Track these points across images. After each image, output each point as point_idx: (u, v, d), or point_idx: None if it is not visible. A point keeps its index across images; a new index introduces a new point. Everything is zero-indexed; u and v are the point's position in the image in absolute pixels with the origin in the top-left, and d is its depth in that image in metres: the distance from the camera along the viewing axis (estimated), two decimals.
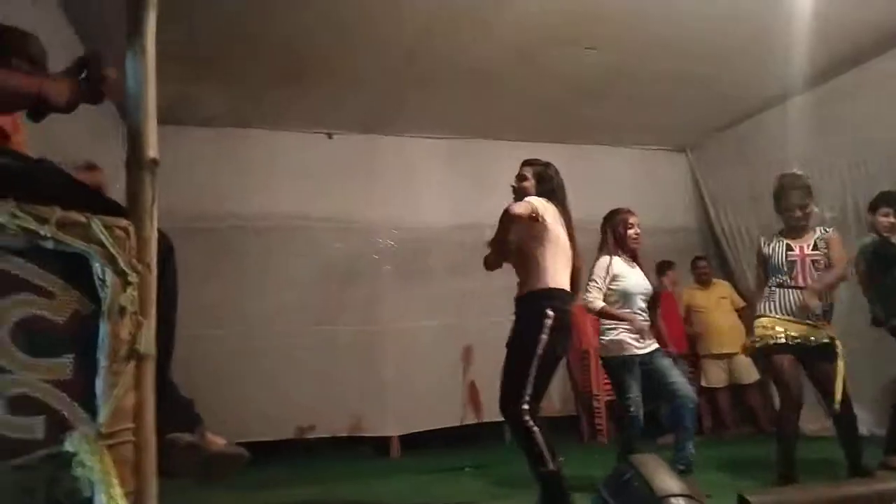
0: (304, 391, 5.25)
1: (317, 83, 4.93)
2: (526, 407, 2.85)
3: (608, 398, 5.73)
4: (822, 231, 3.59)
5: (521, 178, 3.39)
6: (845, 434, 3.44)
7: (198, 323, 4.78)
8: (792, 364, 3.46)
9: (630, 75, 5.05)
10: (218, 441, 1.70)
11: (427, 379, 5.47)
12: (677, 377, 3.66)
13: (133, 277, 1.30)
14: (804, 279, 3.48)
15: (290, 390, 5.22)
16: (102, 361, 1.28)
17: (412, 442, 5.47)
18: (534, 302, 3.00)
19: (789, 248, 3.54)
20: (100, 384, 1.27)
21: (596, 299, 3.68)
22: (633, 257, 3.83)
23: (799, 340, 3.43)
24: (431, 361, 5.52)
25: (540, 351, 2.88)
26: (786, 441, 3.40)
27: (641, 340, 3.67)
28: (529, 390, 2.87)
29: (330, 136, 5.77)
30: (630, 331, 3.66)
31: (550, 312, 2.92)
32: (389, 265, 5.72)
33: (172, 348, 1.73)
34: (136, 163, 1.37)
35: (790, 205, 3.56)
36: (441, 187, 5.83)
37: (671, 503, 1.51)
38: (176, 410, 1.65)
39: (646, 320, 3.74)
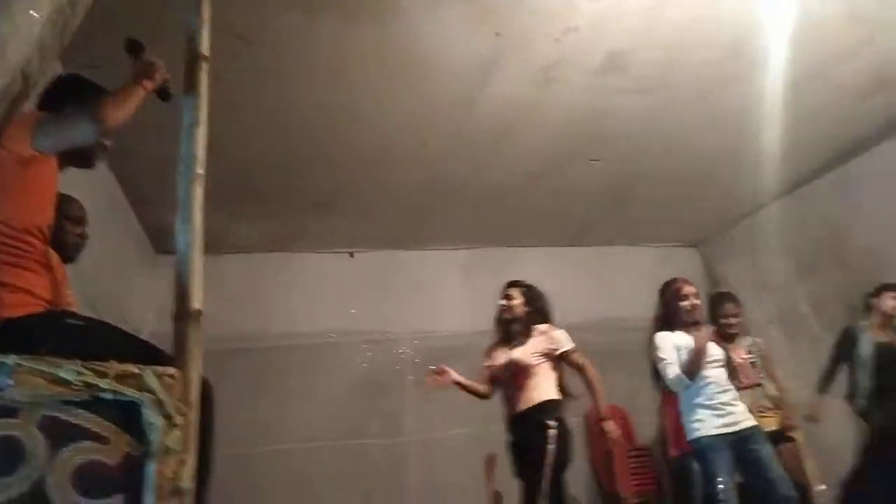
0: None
1: (341, 207, 5.26)
2: None
3: (636, 501, 5.61)
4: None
5: (508, 297, 3.54)
6: None
7: (235, 439, 4.90)
8: None
9: (635, 181, 5.31)
10: None
11: (451, 488, 5.42)
12: (777, 468, 3.14)
13: (179, 419, 1.45)
14: None
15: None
16: (149, 499, 1.40)
17: None
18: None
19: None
20: None
21: (671, 372, 3.28)
22: (696, 328, 3.42)
23: None
24: (455, 471, 5.47)
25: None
26: None
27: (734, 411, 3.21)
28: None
29: (351, 254, 6.05)
30: (712, 408, 3.23)
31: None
32: (412, 375, 5.82)
33: (210, 477, 1.85)
34: (183, 315, 1.55)
35: None
36: (460, 295, 6.00)
37: None
38: None
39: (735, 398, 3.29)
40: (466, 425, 5.72)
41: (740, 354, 3.73)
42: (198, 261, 1.56)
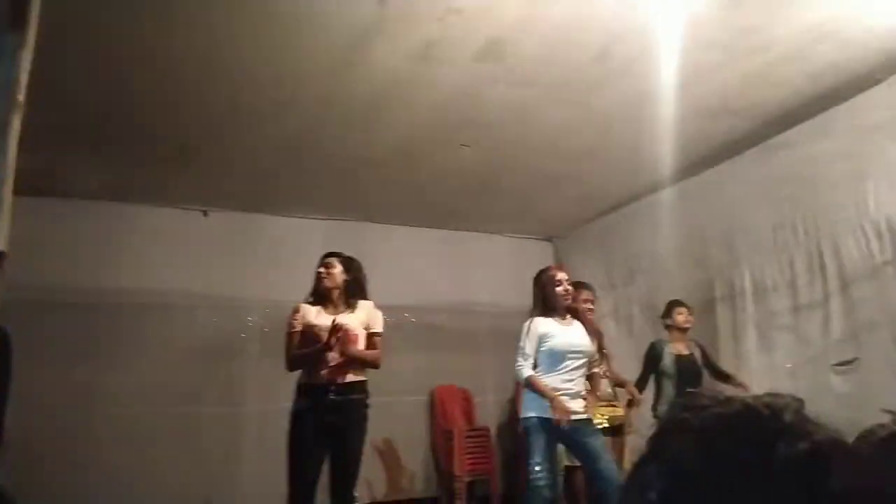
0: (152, 473, 4.96)
1: (196, 162, 4.91)
2: None
3: (470, 479, 5.82)
4: None
5: (328, 266, 3.54)
6: None
7: (52, 399, 4.51)
8: None
9: (502, 171, 5.43)
10: None
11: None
12: (607, 460, 3.31)
13: None
14: None
15: (137, 473, 4.91)
16: None
17: None
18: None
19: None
20: None
21: (521, 368, 3.38)
22: (571, 315, 3.56)
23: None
24: None
25: None
26: None
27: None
28: None
29: (205, 213, 5.70)
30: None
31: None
32: (258, 344, 5.60)
33: (2, 432, 1.65)
34: None
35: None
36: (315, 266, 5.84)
37: None
38: None
39: (579, 392, 3.42)
40: None
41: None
42: (7, 198, 1.36)
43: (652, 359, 4.58)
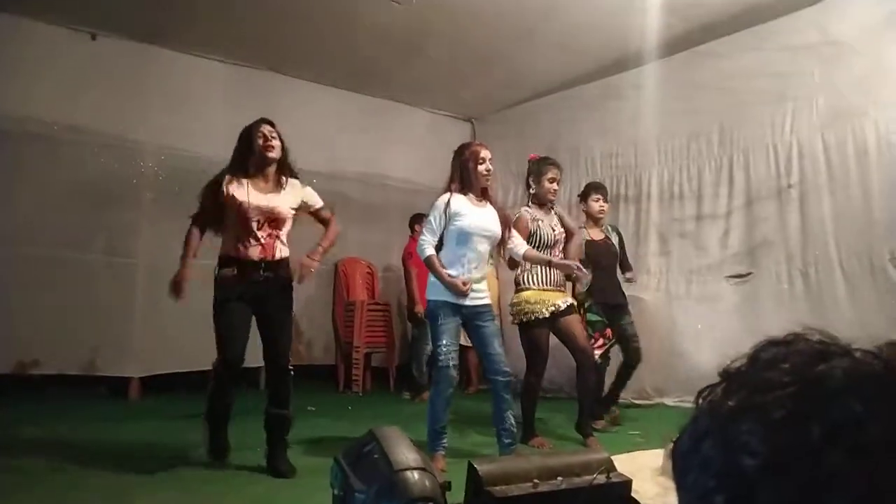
0: (34, 322, 4.65)
1: None
2: None
3: (368, 350, 5.91)
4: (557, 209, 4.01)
5: (273, 135, 3.20)
6: (579, 385, 3.85)
7: None
8: (547, 336, 3.83)
9: (432, 37, 5.12)
10: None
11: (179, 319, 5.06)
12: (498, 347, 3.35)
13: None
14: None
15: (17, 319, 4.58)
16: None
17: (155, 386, 5.13)
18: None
19: (551, 227, 3.88)
20: None
21: (427, 244, 3.29)
22: (485, 196, 3.42)
23: (553, 309, 3.77)
24: (185, 300, 5.17)
25: None
26: (532, 403, 3.83)
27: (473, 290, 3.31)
28: None
29: (93, 36, 5.03)
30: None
31: None
32: (151, 192, 5.20)
33: None
34: None
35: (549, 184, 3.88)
36: (219, 114, 5.29)
37: (406, 476, 1.57)
38: None
39: (482, 277, 3.39)
40: (203, 255, 5.35)
41: (553, 224, 3.87)
42: None
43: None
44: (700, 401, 0.51)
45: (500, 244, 3.47)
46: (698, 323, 4.88)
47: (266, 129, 3.15)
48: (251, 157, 3.14)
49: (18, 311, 4.61)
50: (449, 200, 3.31)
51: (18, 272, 4.66)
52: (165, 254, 5.15)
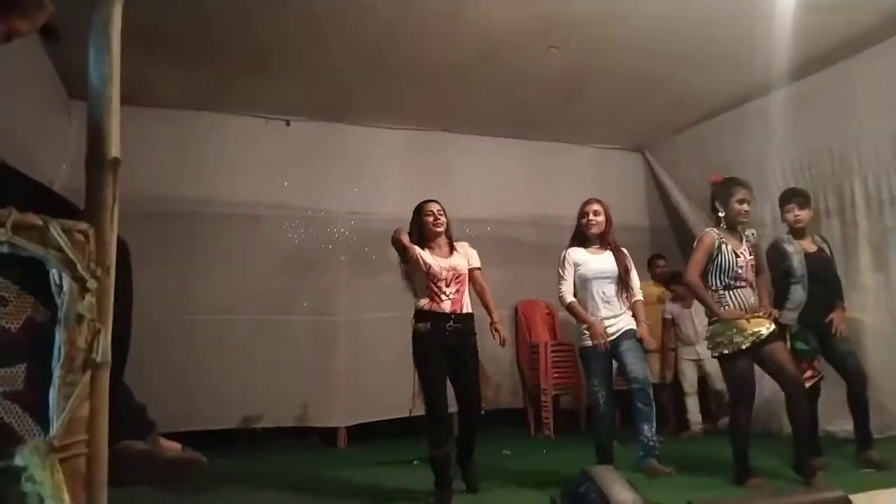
0: (252, 381, 5.18)
1: (277, 70, 4.84)
2: None
3: (556, 392, 5.85)
4: (752, 235, 3.69)
5: (441, 212, 3.67)
6: (793, 418, 3.43)
7: (149, 309, 4.70)
8: (752, 368, 3.51)
9: (592, 76, 5.13)
10: (173, 446, 1.65)
11: (376, 370, 5.42)
12: (631, 359, 3.72)
13: (91, 283, 1.24)
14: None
15: (238, 379, 5.14)
16: (57, 371, 1.22)
17: (359, 434, 5.47)
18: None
19: (735, 252, 3.61)
20: (53, 395, 1.21)
21: (564, 293, 3.83)
22: (601, 243, 3.90)
23: (753, 339, 3.42)
24: (382, 352, 5.47)
25: None
26: (743, 441, 3.47)
27: (611, 326, 3.77)
28: None
29: (287, 122, 5.68)
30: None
31: None
32: (345, 255, 5.67)
33: (127, 352, 1.67)
34: (98, 163, 1.30)
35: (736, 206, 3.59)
36: (399, 177, 5.77)
37: None
38: (128, 417, 1.59)
39: (618, 312, 3.80)
40: (395, 308, 5.68)
41: (739, 251, 3.59)
42: (115, 98, 1.30)
43: (775, 259, 3.92)
44: None
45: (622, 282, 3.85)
46: None
47: (431, 208, 3.64)
48: (423, 233, 3.61)
49: (240, 373, 5.17)
50: (566, 253, 3.90)
51: (235, 337, 5.24)
52: (361, 308, 5.65)
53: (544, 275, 6.28)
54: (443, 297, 3.50)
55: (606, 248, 3.89)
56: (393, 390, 5.54)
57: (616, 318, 3.79)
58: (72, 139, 4.64)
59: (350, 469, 4.44)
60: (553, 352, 5.90)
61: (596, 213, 3.89)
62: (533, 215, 6.37)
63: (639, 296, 3.92)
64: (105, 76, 1.31)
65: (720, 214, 3.63)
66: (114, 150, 1.32)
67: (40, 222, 1.21)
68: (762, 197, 4.82)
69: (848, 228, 4.92)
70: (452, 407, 3.58)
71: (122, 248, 1.54)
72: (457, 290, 3.54)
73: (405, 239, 3.48)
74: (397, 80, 5.10)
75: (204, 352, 5.13)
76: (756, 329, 3.44)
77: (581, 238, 3.94)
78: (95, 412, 1.27)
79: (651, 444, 3.66)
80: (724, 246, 3.56)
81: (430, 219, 3.61)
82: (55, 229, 1.22)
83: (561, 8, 4.14)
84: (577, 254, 3.89)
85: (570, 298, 3.81)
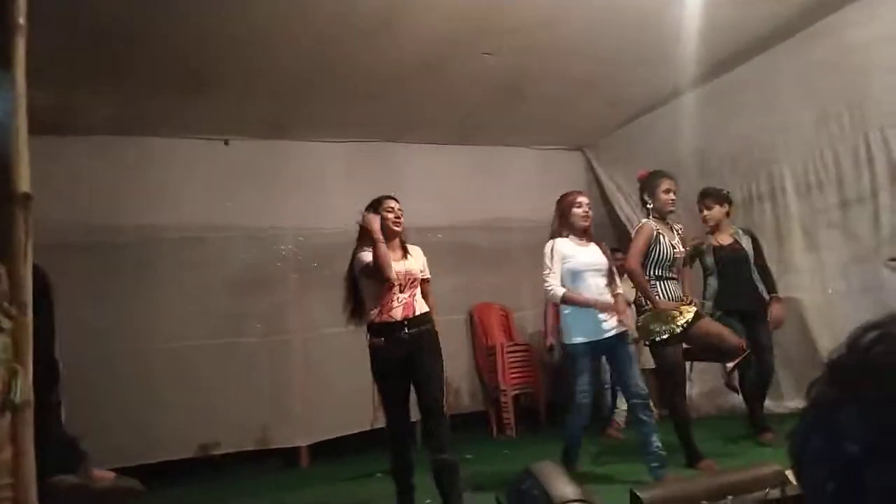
0: (208, 406, 5.09)
1: (213, 90, 4.78)
2: None
3: (515, 392, 5.91)
4: (680, 229, 3.92)
5: (397, 208, 3.49)
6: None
7: (97, 341, 4.61)
8: (682, 353, 3.72)
9: (529, 79, 5.20)
10: (106, 476, 1.64)
11: (335, 386, 5.39)
12: (631, 373, 3.57)
13: (6, 323, 1.23)
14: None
15: (193, 406, 5.04)
16: None
17: (323, 451, 5.42)
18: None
19: (671, 244, 3.78)
20: None
21: (554, 286, 3.61)
22: (586, 236, 3.76)
23: (683, 323, 3.64)
24: (339, 368, 5.41)
25: None
26: (686, 425, 3.66)
27: (605, 321, 3.58)
28: None
29: (226, 142, 5.60)
30: (583, 318, 3.61)
31: None
32: (294, 272, 5.62)
33: (56, 385, 1.64)
34: (7, 198, 1.29)
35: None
36: (344, 190, 5.71)
37: None
38: (58, 450, 1.56)
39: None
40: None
41: (673, 242, 3.80)
42: (22, 132, 1.29)
43: (694, 257, 4.30)
44: (809, 394, 0.52)
45: (611, 275, 3.73)
46: (864, 316, 4.44)
47: (390, 205, 3.41)
48: (381, 231, 3.34)
49: (195, 399, 5.07)
50: (554, 244, 3.69)
51: (188, 364, 5.13)
52: (315, 324, 5.59)
53: (497, 277, 6.39)
54: (394, 303, 3.32)
55: (590, 241, 3.78)
56: (353, 405, 5.52)
57: (609, 314, 3.63)
58: None
59: (313, 487, 4.41)
60: (510, 352, 5.95)
61: (588, 206, 3.78)
62: (483, 219, 6.43)
63: (620, 289, 3.80)
64: (10, 109, 1.30)
65: (649, 206, 3.83)
66: (23, 184, 1.31)
67: None
68: (697, 187, 4.97)
69: (780, 213, 5.11)
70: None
71: (44, 283, 1.52)
72: (410, 295, 3.36)
73: (377, 226, 3.26)
74: (337, 93, 5.09)
75: (156, 381, 5.02)
76: (687, 317, 3.65)
77: (567, 231, 3.74)
78: (20, 454, 1.25)
79: (663, 453, 3.46)
80: (661, 237, 3.72)
81: (391, 216, 3.37)
82: None
83: (493, 14, 4.20)
84: (565, 246, 3.69)
85: (562, 289, 3.60)
